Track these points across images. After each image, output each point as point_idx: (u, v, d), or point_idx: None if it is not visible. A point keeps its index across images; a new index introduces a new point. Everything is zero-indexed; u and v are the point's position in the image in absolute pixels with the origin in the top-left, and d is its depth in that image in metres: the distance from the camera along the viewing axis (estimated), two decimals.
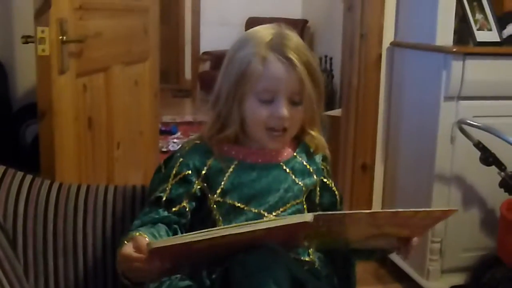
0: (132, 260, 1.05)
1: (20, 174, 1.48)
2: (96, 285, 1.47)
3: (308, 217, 1.02)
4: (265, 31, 1.28)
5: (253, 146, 1.32)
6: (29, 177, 1.49)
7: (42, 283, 1.42)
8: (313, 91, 1.26)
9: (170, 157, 1.37)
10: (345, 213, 1.06)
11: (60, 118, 1.69)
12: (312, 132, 1.37)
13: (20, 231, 1.42)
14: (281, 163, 1.33)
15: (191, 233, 1.02)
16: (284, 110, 1.24)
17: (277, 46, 1.24)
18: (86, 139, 1.92)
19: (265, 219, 1.17)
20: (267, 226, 1.01)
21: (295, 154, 1.36)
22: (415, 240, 1.23)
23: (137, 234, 1.13)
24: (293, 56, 1.23)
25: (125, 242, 1.12)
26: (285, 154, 1.34)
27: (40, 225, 1.44)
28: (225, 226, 1.02)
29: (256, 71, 1.24)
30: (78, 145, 1.84)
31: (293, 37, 1.27)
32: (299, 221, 1.03)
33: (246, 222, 1.05)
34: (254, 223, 1.02)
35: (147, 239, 1.10)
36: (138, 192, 1.53)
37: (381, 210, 1.08)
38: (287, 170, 1.33)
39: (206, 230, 1.01)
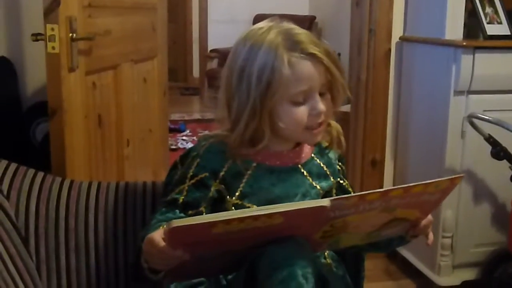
0: (157, 245, 1.04)
1: (31, 172, 1.49)
2: (108, 281, 1.47)
3: (325, 201, 1.02)
4: (269, 35, 1.21)
5: (271, 148, 1.28)
6: (40, 175, 1.50)
7: (55, 280, 1.43)
8: (341, 76, 1.24)
9: (187, 154, 1.33)
10: (359, 195, 1.06)
11: (70, 116, 1.70)
12: (329, 121, 1.33)
13: (32, 229, 1.43)
14: (299, 166, 1.31)
15: (210, 214, 1.01)
16: (322, 105, 1.21)
17: (294, 45, 1.19)
18: (96, 137, 1.92)
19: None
20: (284, 209, 1.00)
21: (312, 155, 1.34)
22: (428, 218, 1.23)
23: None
24: (314, 50, 1.19)
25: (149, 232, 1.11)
26: (303, 155, 1.32)
27: (52, 223, 1.45)
28: (243, 210, 1.02)
29: (284, 77, 1.18)
30: (88, 143, 1.85)
31: (299, 30, 1.24)
32: (316, 205, 1.02)
33: (263, 207, 1.04)
34: (271, 207, 1.01)
35: None
36: (149, 189, 1.53)
37: (392, 187, 1.07)
38: (305, 173, 1.31)
39: (224, 212, 1.00)
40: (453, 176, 1.14)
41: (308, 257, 1.07)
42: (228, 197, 1.26)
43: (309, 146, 1.34)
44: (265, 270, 1.04)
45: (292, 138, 1.28)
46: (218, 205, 1.27)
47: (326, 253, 1.34)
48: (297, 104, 1.21)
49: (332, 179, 1.35)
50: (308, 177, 1.31)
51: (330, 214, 1.05)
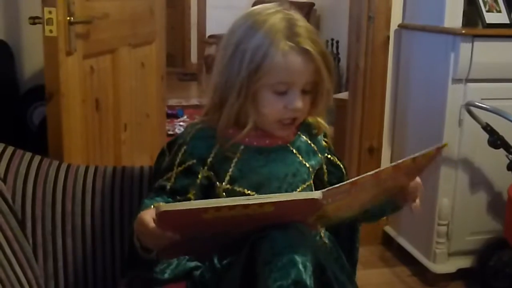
0: (147, 225, 1.05)
1: (28, 155, 1.49)
2: (104, 265, 1.48)
3: (316, 194, 1.03)
4: (273, 17, 1.21)
5: (258, 128, 1.28)
6: (37, 158, 1.50)
7: (51, 263, 1.43)
8: (329, 81, 1.23)
9: (174, 141, 1.33)
10: (350, 182, 1.06)
11: (67, 100, 1.69)
12: (317, 117, 1.34)
13: (29, 212, 1.43)
14: (288, 144, 1.31)
15: (200, 200, 1.02)
16: (299, 102, 1.21)
17: (293, 36, 1.18)
18: (93, 121, 1.92)
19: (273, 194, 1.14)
20: (275, 200, 1.00)
21: (299, 133, 1.34)
22: (416, 180, 1.24)
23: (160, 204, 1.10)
24: (310, 47, 1.18)
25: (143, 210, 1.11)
26: (291, 132, 1.32)
27: (48, 206, 1.45)
28: (234, 198, 1.03)
29: (275, 64, 1.18)
30: (85, 127, 1.84)
31: (303, 23, 1.23)
32: (307, 197, 1.03)
33: (254, 196, 1.04)
34: (262, 197, 1.02)
35: None
36: (146, 173, 1.53)
37: (382, 168, 1.09)
38: (294, 150, 1.31)
39: (214, 199, 1.01)
40: (439, 145, 1.16)
41: (308, 245, 1.07)
42: (217, 183, 1.26)
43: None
44: (266, 255, 1.04)
45: (262, 125, 1.27)
46: (209, 191, 1.27)
47: (322, 233, 1.34)
48: (278, 94, 1.21)
49: (320, 155, 1.36)
50: (298, 155, 1.31)
51: (322, 202, 1.05)
